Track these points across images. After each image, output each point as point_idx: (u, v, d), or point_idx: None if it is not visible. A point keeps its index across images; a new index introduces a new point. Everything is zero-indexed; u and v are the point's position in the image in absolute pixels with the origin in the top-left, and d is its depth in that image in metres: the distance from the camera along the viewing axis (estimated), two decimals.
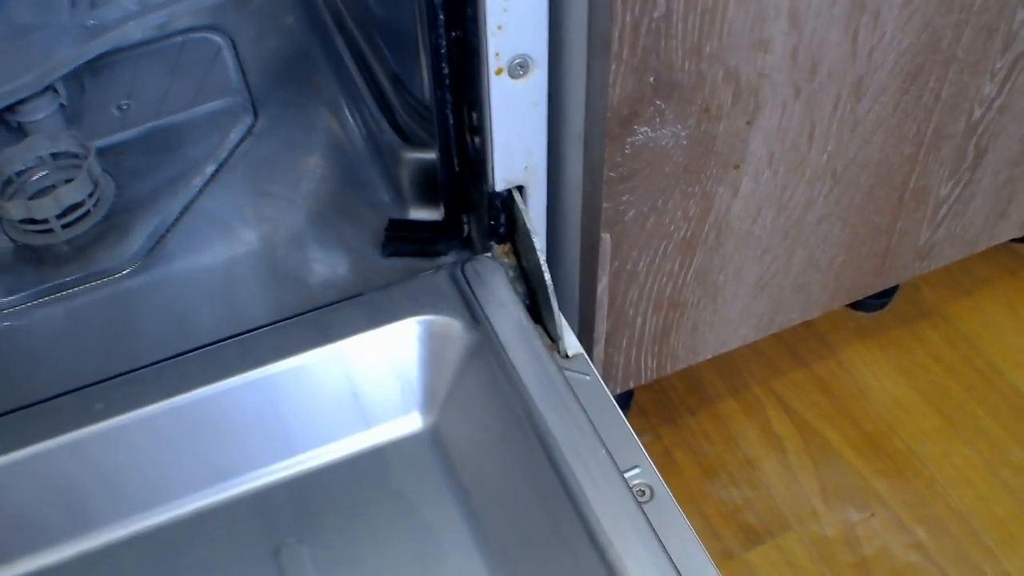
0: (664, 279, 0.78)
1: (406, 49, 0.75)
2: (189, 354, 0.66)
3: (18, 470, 0.61)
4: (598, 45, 0.61)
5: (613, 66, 0.61)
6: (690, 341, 0.85)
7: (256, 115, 0.87)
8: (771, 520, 0.90)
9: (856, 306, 1.05)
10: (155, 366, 0.66)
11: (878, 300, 1.05)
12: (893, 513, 0.90)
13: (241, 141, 0.85)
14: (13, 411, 0.64)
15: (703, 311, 0.83)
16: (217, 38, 0.94)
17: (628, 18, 0.59)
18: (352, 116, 0.85)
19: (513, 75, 0.61)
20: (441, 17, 0.61)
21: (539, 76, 0.62)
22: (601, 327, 0.78)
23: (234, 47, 0.94)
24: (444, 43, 0.62)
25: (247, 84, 0.90)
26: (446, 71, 0.64)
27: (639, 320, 0.80)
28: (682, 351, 0.86)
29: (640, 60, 0.61)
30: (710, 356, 0.89)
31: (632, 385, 0.87)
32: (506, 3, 0.57)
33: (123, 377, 0.65)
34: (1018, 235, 0.98)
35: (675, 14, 0.60)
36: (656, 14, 0.59)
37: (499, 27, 0.58)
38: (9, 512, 0.61)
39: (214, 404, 0.63)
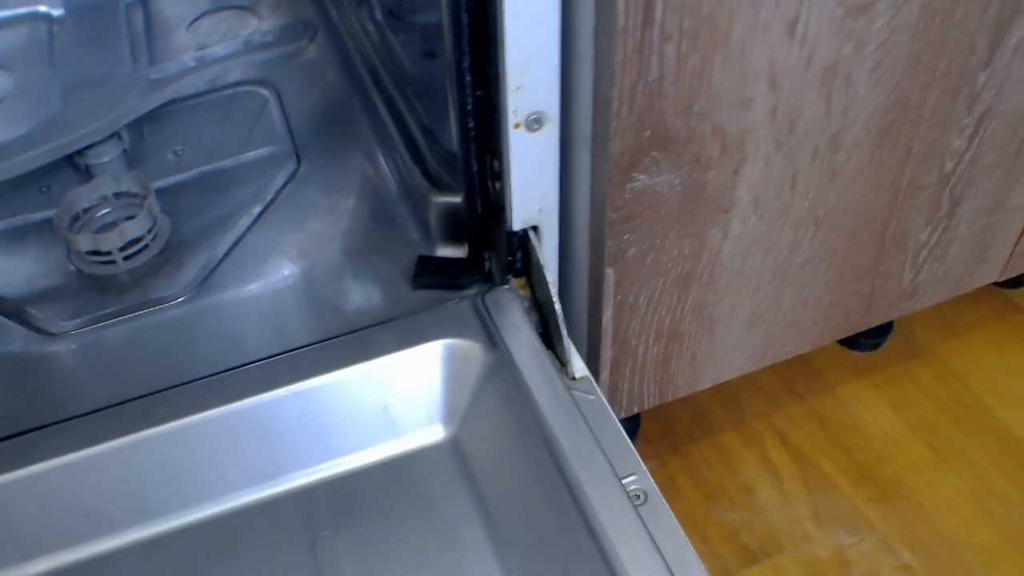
0: (663, 312, 0.80)
1: (436, 104, 0.77)
2: (240, 368, 0.69)
3: (89, 465, 0.64)
4: (601, 104, 0.64)
5: (614, 123, 0.64)
6: (689, 370, 0.87)
7: (299, 161, 0.90)
8: (767, 542, 0.91)
9: (852, 345, 1.06)
10: (210, 378, 0.69)
11: (873, 340, 1.06)
12: (882, 537, 0.91)
13: (285, 185, 0.87)
14: (83, 415, 0.67)
15: (700, 342, 0.85)
16: (264, 91, 0.98)
17: (627, 81, 0.62)
18: (386, 163, 0.88)
19: (529, 129, 0.64)
20: (468, 78, 0.64)
21: (552, 130, 0.65)
22: (606, 354, 0.80)
23: (280, 100, 0.97)
24: (470, 100, 0.65)
25: (291, 133, 0.93)
26: (471, 125, 0.67)
27: (641, 349, 0.82)
28: (682, 379, 0.88)
29: (637, 117, 0.64)
30: (709, 385, 0.90)
31: (636, 410, 0.89)
32: (523, 68, 0.61)
33: (182, 387, 0.68)
34: (999, 278, 0.99)
35: (667, 78, 0.63)
36: (651, 78, 0.63)
37: (518, 87, 0.62)
38: (80, 501, 0.65)
39: (263, 411, 0.67)
